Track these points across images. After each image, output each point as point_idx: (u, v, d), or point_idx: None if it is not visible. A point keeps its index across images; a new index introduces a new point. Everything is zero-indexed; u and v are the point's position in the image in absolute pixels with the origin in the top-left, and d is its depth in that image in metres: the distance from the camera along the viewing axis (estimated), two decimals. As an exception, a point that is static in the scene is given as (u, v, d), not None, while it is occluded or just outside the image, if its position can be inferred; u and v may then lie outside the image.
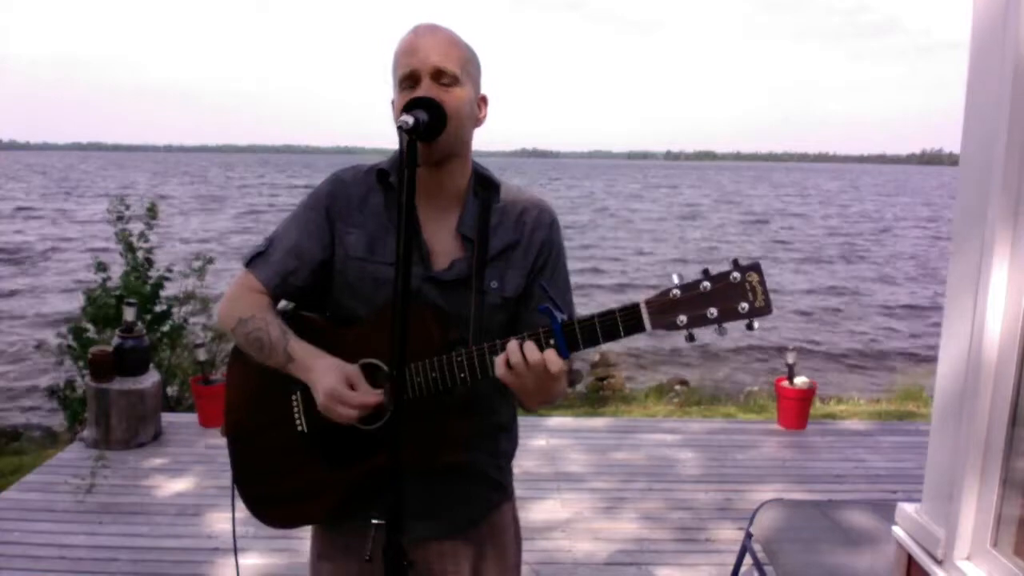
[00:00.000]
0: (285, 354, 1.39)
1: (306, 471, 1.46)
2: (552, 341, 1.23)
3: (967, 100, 1.62)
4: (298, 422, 1.46)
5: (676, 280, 1.17)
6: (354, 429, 1.38)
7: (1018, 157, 1.49)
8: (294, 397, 1.45)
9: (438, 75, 1.35)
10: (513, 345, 1.24)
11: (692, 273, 1.18)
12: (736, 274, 1.15)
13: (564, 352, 1.23)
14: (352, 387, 1.33)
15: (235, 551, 1.66)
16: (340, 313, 1.48)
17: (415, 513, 1.45)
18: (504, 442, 1.57)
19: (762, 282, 1.15)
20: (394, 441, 1.16)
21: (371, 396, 1.33)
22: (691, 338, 1.18)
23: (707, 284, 1.16)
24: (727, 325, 1.16)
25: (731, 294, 1.15)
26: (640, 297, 1.19)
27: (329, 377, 1.34)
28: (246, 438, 1.53)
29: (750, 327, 1.15)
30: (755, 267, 1.15)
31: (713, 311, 1.15)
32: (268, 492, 1.52)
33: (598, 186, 66.16)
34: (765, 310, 1.14)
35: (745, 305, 1.14)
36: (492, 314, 1.42)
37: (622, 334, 1.20)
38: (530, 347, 1.23)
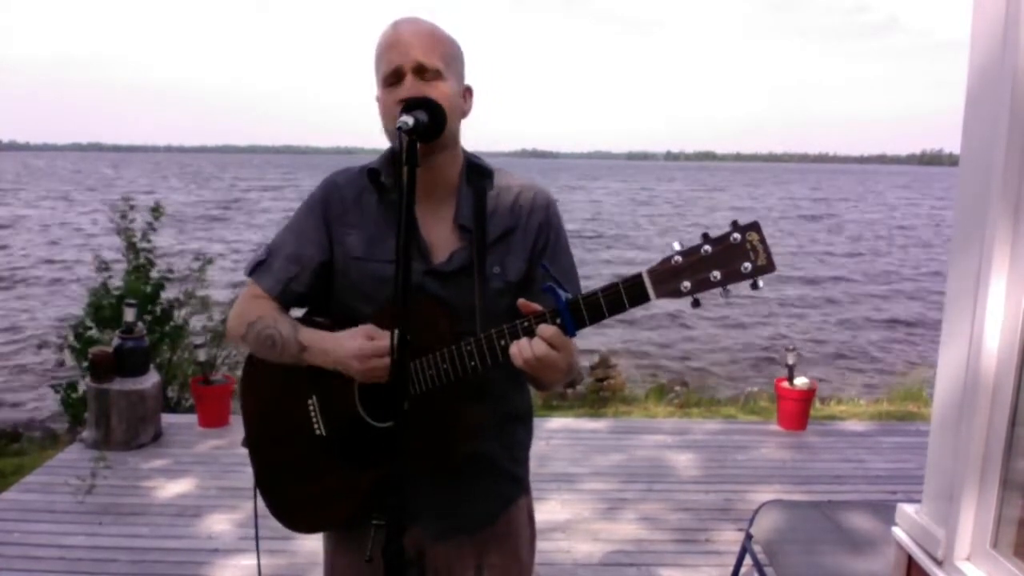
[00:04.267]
0: (298, 344, 1.40)
1: (327, 475, 1.45)
2: (558, 320, 1.23)
3: (967, 100, 1.61)
4: (316, 426, 1.45)
5: (677, 247, 1.17)
6: (371, 429, 1.38)
7: (1018, 157, 1.48)
8: (310, 402, 1.45)
9: (421, 71, 1.34)
10: (523, 342, 1.23)
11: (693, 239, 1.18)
12: (736, 235, 1.14)
13: (571, 330, 1.23)
14: (373, 339, 1.33)
15: (257, 553, 1.65)
16: (346, 314, 1.47)
17: (429, 510, 1.45)
18: (520, 433, 1.57)
19: (763, 241, 1.14)
20: (396, 440, 1.15)
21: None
22: (696, 303, 1.18)
23: (708, 248, 1.15)
24: (731, 287, 1.16)
25: (733, 255, 1.14)
26: (642, 267, 1.19)
27: (349, 343, 1.33)
28: (267, 447, 1.53)
29: (755, 286, 1.15)
30: (754, 226, 1.15)
31: (716, 274, 1.15)
32: (292, 498, 1.51)
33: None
34: (768, 268, 1.14)
35: (748, 265, 1.14)
36: (496, 300, 1.42)
37: (627, 306, 1.20)
38: (541, 329, 1.23)
